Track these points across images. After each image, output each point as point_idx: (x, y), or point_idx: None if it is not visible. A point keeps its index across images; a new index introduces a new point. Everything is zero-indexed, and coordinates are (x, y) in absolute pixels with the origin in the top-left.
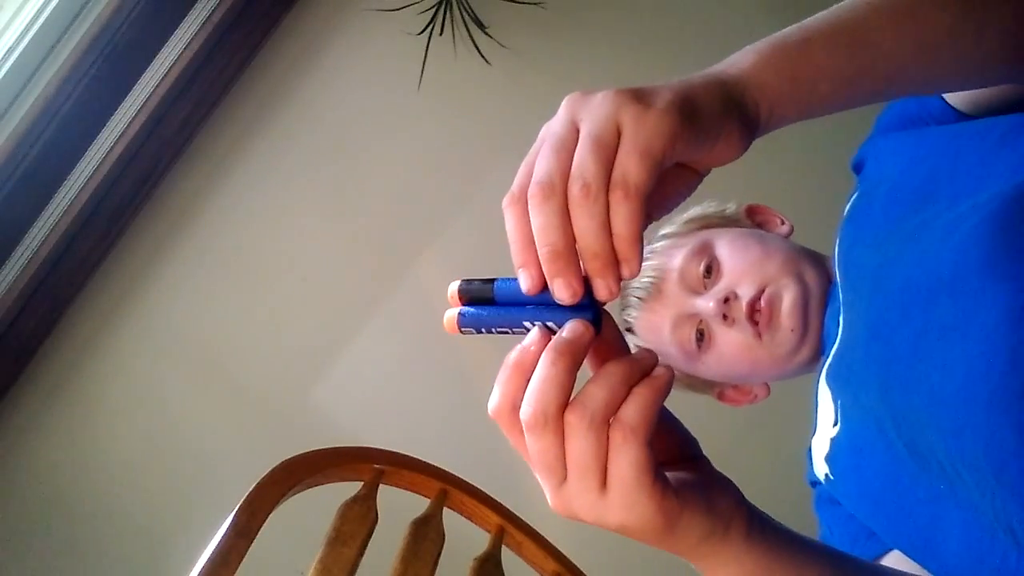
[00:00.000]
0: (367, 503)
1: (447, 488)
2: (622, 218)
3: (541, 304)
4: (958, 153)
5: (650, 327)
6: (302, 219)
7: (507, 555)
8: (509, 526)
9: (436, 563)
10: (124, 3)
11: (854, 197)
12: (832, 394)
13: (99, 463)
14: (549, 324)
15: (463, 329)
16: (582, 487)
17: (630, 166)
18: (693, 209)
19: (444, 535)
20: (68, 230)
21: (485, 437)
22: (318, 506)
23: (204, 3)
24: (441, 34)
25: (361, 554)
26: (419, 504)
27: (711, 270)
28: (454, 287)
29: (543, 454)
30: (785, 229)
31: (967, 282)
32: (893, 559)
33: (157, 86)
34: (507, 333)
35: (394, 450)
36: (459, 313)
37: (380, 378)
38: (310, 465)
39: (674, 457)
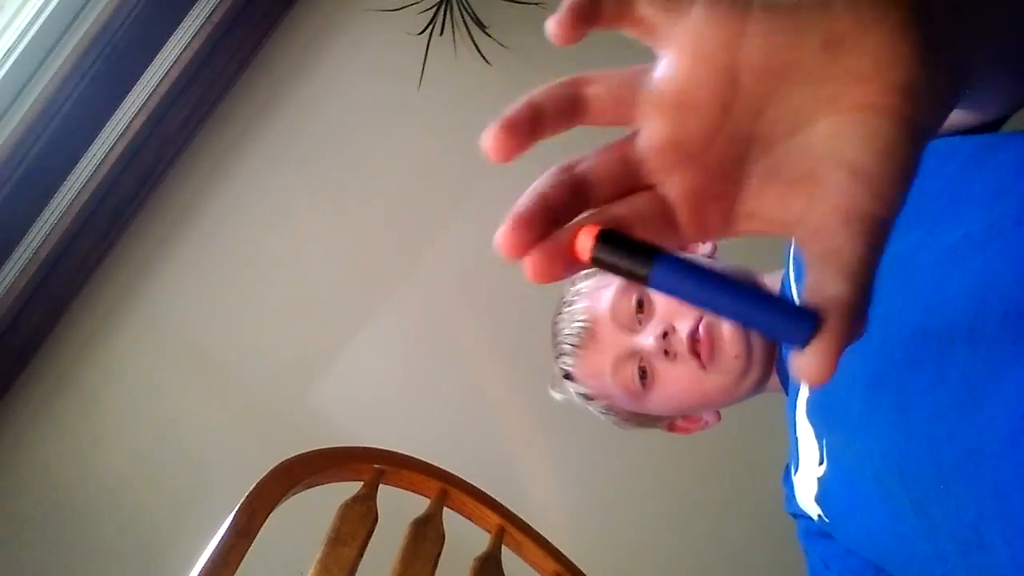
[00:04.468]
0: (367, 503)
1: (447, 488)
2: None
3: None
4: (924, 173)
5: (590, 373)
6: (302, 219)
7: (507, 555)
8: (509, 526)
9: (436, 563)
10: (124, 3)
11: None
12: (815, 432)
13: (99, 463)
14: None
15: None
16: None
17: None
18: None
19: (444, 535)
20: (68, 230)
21: (485, 437)
22: (318, 506)
23: (204, 3)
24: (441, 34)
25: (361, 554)
26: (419, 504)
27: (643, 305)
28: (587, 241)
29: None
30: (707, 249)
31: (986, 330)
32: None
33: (157, 86)
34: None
35: (394, 450)
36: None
37: (380, 378)
38: (310, 465)
39: None
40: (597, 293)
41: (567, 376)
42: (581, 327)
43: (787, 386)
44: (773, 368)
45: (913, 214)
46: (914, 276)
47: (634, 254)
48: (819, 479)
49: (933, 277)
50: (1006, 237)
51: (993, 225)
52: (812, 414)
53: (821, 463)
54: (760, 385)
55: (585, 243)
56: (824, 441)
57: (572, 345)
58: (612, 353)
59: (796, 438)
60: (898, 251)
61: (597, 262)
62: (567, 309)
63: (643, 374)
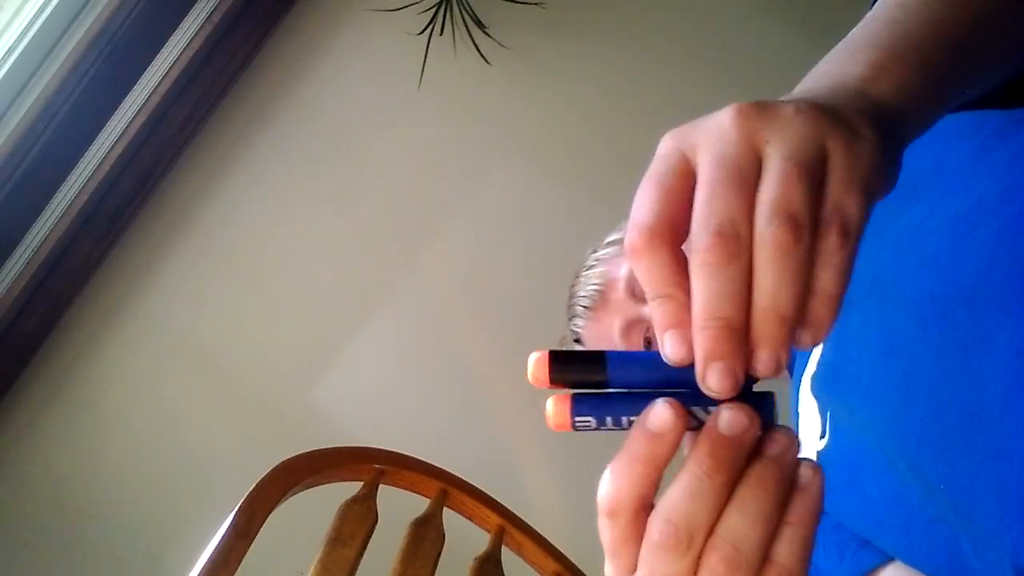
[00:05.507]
0: (367, 503)
1: (447, 488)
2: (836, 269)
3: (671, 384)
4: (947, 148)
5: (598, 336)
6: (302, 219)
7: (507, 555)
8: (509, 526)
9: (436, 563)
10: (124, 3)
11: None
12: (819, 405)
13: (99, 463)
14: (694, 409)
15: (578, 421)
16: None
17: (850, 203)
18: None
19: (444, 535)
20: (68, 230)
21: (485, 437)
22: (318, 506)
23: (204, 3)
24: (441, 34)
25: (361, 554)
26: (419, 504)
27: None
28: (539, 359)
29: None
30: None
31: (988, 293)
32: (892, 571)
33: (157, 86)
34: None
35: (394, 450)
36: (574, 399)
37: (380, 378)
38: (310, 465)
39: None
40: (617, 259)
41: (577, 340)
42: (594, 290)
43: (792, 367)
44: None
45: (928, 184)
46: (926, 242)
47: (585, 363)
48: (819, 452)
49: (945, 242)
50: (1021, 202)
51: (1007, 191)
52: (818, 387)
53: (823, 436)
54: None
55: (541, 370)
56: (828, 414)
57: (584, 307)
58: (622, 318)
59: (797, 414)
60: (911, 219)
61: (557, 381)
62: (584, 273)
63: (648, 344)
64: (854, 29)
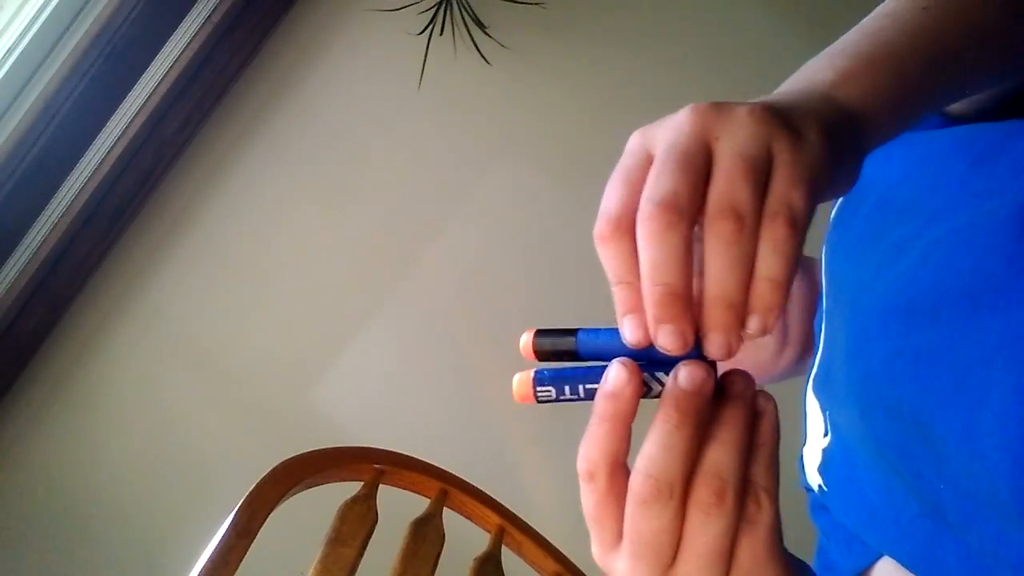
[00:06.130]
0: (367, 503)
1: (447, 488)
2: (783, 257)
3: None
4: (941, 168)
5: None
6: (302, 218)
7: (507, 555)
8: (509, 526)
9: (436, 563)
10: (124, 3)
11: (840, 200)
12: (820, 404)
13: (99, 463)
14: (645, 377)
15: (540, 391)
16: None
17: (795, 196)
18: None
19: (444, 535)
20: (68, 230)
21: (485, 437)
22: (318, 506)
23: (204, 3)
24: (441, 34)
25: (361, 554)
26: (419, 504)
27: None
28: (527, 338)
29: (656, 535)
30: None
31: (948, 305)
32: (884, 567)
33: (157, 86)
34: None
35: (394, 450)
36: (535, 372)
37: (380, 378)
38: (310, 465)
39: None
40: None
41: None
42: None
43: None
44: (811, 347)
45: (914, 206)
46: (905, 258)
47: (560, 334)
48: (824, 450)
49: (919, 257)
50: (988, 230)
51: (982, 216)
52: (816, 387)
53: (826, 435)
54: (799, 364)
55: (527, 343)
56: (828, 413)
57: None
58: None
59: (805, 412)
60: (895, 239)
61: (539, 351)
62: None
63: None
64: (842, 36)
